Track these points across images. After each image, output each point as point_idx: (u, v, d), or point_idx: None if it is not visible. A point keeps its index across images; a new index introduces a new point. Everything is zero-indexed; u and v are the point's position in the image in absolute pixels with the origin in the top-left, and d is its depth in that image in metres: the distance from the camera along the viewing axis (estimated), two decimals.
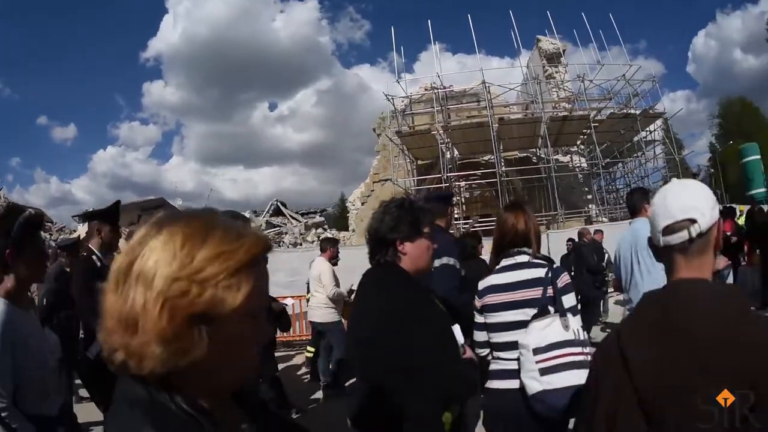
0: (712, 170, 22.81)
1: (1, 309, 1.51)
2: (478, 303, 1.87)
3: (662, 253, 0.99)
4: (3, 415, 1.45)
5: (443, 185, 13.48)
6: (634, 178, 16.13)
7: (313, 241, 14.81)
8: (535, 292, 1.73)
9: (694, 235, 0.92)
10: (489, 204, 13.53)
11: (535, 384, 1.61)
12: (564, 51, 16.09)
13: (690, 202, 0.95)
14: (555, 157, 14.96)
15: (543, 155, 14.14)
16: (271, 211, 14.36)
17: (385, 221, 1.52)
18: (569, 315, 1.68)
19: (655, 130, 15.75)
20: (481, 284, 1.87)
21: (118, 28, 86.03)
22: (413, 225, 1.52)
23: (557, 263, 1.93)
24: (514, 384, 1.69)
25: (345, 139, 72.43)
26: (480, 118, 13.78)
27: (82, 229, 14.43)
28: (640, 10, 62.76)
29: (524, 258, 1.82)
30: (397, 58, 14.25)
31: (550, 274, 1.74)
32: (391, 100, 13.92)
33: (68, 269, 3.96)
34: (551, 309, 1.69)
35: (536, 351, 1.64)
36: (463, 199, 14.66)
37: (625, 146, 15.77)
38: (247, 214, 16.99)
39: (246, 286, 0.56)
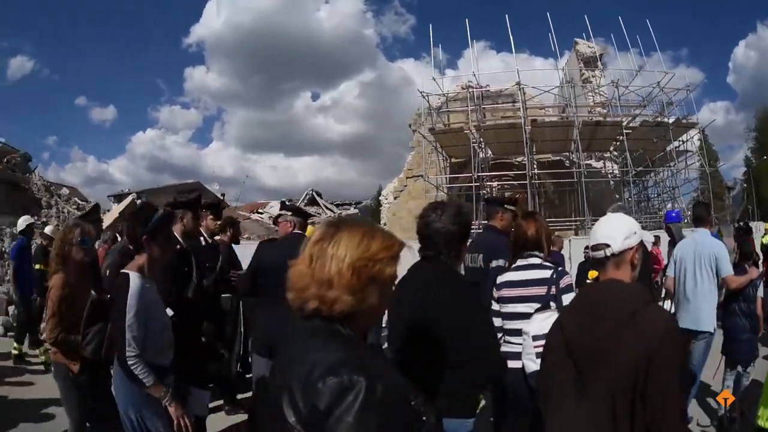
0: (745, 185, 22.48)
1: (136, 280, 1.94)
2: (495, 294, 2.28)
3: (591, 261, 1.57)
4: (131, 363, 1.85)
5: (473, 184, 13.63)
6: (666, 189, 16.03)
7: None
8: (541, 290, 2.12)
9: (608, 254, 1.40)
10: (520, 206, 13.60)
11: (532, 365, 1.97)
12: (601, 55, 16.04)
13: (608, 232, 1.43)
14: (588, 162, 14.97)
15: (575, 159, 14.15)
16: (306, 201, 14.68)
17: (461, 224, 1.80)
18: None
19: (688, 140, 15.57)
20: (499, 279, 2.29)
21: (160, 13, 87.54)
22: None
23: (572, 268, 2.33)
24: (518, 364, 2.05)
25: (386, 132, 72.54)
26: (514, 119, 13.86)
27: (116, 209, 14.90)
28: (683, 17, 61.29)
29: (536, 260, 2.22)
30: (434, 56, 14.40)
31: (554, 276, 2.13)
32: (426, 97, 14.07)
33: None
34: (552, 305, 2.07)
35: (535, 338, 2.00)
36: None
37: (657, 155, 15.68)
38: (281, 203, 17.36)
39: (394, 266, 0.98)
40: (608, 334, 1.31)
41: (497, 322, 2.22)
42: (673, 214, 5.19)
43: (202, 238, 3.52)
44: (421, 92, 14.09)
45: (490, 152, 14.87)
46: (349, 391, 0.83)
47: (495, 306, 2.27)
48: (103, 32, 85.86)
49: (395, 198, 15.90)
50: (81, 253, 2.53)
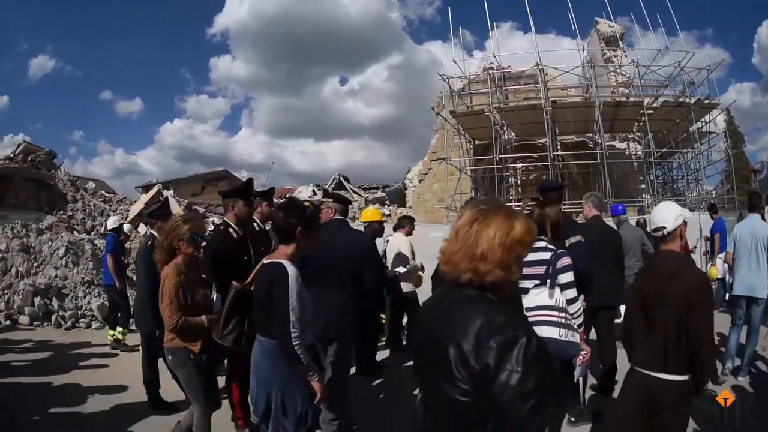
0: None
1: (291, 267, 2.14)
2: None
3: (654, 239, 2.29)
4: (295, 344, 2.07)
5: (496, 166, 13.74)
6: (691, 171, 16.01)
7: None
8: (540, 269, 2.49)
9: (665, 233, 2.10)
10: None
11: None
12: (623, 35, 16.05)
13: (663, 216, 2.10)
14: (612, 143, 15.00)
15: (598, 140, 14.20)
16: (333, 185, 14.89)
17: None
18: (557, 289, 2.48)
19: (710, 120, 15.50)
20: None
21: (182, 5, 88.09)
22: None
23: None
24: None
25: (416, 115, 72.94)
26: (535, 100, 13.94)
27: (142, 199, 15.22)
28: None
29: (541, 243, 2.55)
30: (462, 38, 14.51)
31: (553, 258, 2.50)
32: (447, 80, 14.20)
33: None
34: (548, 282, 2.47)
35: (527, 309, 2.43)
36: (519, 182, 14.86)
37: (681, 136, 15.65)
38: (309, 188, 17.57)
39: (530, 247, 1.19)
40: (663, 284, 2.01)
41: None
42: (620, 208, 6.00)
43: (255, 225, 3.69)
44: (441, 75, 14.24)
45: (513, 134, 14.96)
46: (514, 346, 1.02)
47: None
48: (124, 26, 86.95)
49: (420, 181, 16.05)
50: (190, 248, 2.65)
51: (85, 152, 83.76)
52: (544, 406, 1.02)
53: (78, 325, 6.90)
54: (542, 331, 2.32)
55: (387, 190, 16.95)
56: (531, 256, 2.44)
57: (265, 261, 2.29)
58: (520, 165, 14.79)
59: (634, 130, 15.71)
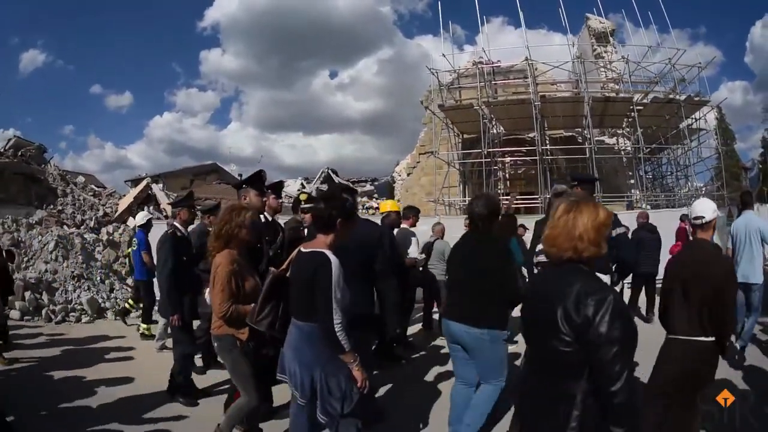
0: (761, 166, 22.53)
1: (332, 256, 2.21)
2: (535, 259, 3.15)
3: (693, 226, 2.74)
4: (337, 330, 2.15)
5: (484, 160, 13.90)
6: (681, 167, 16.19)
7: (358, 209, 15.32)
8: None
9: (703, 222, 2.64)
10: (533, 181, 13.87)
11: None
12: (613, 31, 16.22)
13: (703, 208, 2.65)
14: (601, 138, 15.18)
15: (587, 135, 14.37)
16: (321, 179, 15.02)
17: (489, 208, 2.90)
18: None
19: (701, 118, 15.67)
20: (538, 248, 3.05)
21: None
22: None
23: None
24: None
25: (406, 109, 73.05)
26: (525, 95, 14.10)
27: (131, 193, 15.32)
28: None
29: None
30: (453, 32, 14.64)
31: None
32: (436, 74, 14.35)
33: (210, 229, 4.66)
34: None
35: None
36: (507, 176, 15.02)
37: (670, 133, 15.83)
38: (298, 181, 17.71)
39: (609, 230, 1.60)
40: (698, 268, 2.51)
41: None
42: None
43: (262, 216, 3.74)
44: (430, 69, 14.38)
45: (501, 128, 15.12)
46: (604, 302, 1.39)
47: (535, 269, 3.19)
48: (114, 20, 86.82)
49: (408, 174, 16.21)
50: (248, 234, 2.74)
51: (75, 147, 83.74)
52: (625, 353, 1.38)
53: (68, 319, 7.01)
54: None
55: (375, 183, 17.11)
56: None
57: (302, 249, 2.37)
58: (508, 159, 14.95)
59: (624, 125, 15.89)
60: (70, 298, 7.51)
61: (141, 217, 6.64)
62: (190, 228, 4.43)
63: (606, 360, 1.35)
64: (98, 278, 8.34)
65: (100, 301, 7.66)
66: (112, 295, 8.06)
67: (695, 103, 15.06)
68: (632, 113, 14.40)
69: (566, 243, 1.52)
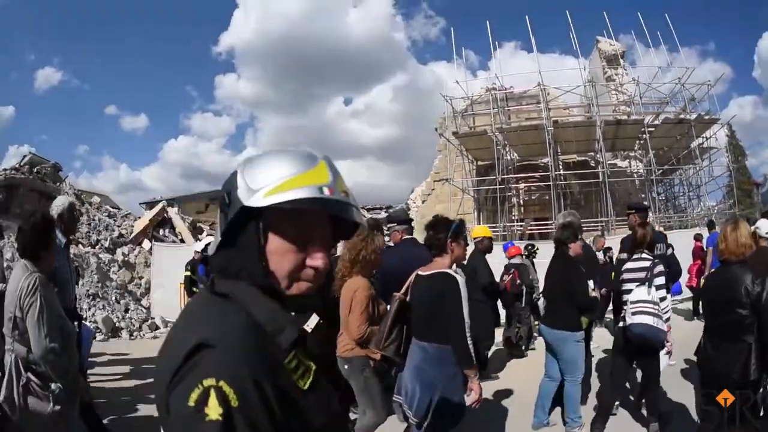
0: None
1: (459, 277, 2.42)
2: (621, 276, 3.59)
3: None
4: (469, 344, 2.37)
5: (499, 186, 14.19)
6: (693, 187, 16.44)
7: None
8: (642, 274, 3.36)
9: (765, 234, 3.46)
10: (546, 207, 14.15)
11: (628, 319, 3.25)
12: (623, 53, 16.53)
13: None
14: (613, 162, 15.45)
15: (600, 159, 14.66)
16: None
17: (564, 234, 3.62)
18: (653, 288, 3.27)
19: (711, 136, 15.91)
20: (624, 266, 3.56)
21: (188, 23, 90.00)
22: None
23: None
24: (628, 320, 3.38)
25: (420, 135, 74.00)
26: (537, 120, 14.40)
27: (146, 216, 15.64)
28: (709, 10, 60.76)
29: (645, 256, 3.46)
30: (466, 58, 14.93)
31: (651, 266, 3.35)
32: (450, 101, 14.67)
33: None
34: (647, 283, 3.28)
35: (632, 302, 3.25)
36: (522, 201, 15.30)
37: (682, 153, 16.08)
38: None
39: None
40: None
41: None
42: (509, 245, 7.08)
43: None
44: (443, 96, 14.70)
45: (515, 154, 15.42)
46: (766, 285, 2.31)
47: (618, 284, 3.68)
48: (131, 42, 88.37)
49: (423, 201, 16.50)
50: (380, 259, 2.93)
51: (90, 166, 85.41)
52: None
53: None
54: (641, 319, 3.16)
55: (390, 210, 17.35)
56: (635, 264, 3.44)
57: (421, 273, 2.57)
58: (522, 185, 15.23)
59: (636, 147, 16.18)
60: (84, 317, 7.83)
61: (201, 245, 6.69)
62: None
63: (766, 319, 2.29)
64: (113, 298, 8.61)
65: (115, 320, 7.90)
66: (127, 315, 8.33)
67: (706, 122, 15.32)
68: (644, 135, 14.67)
69: (735, 249, 2.45)
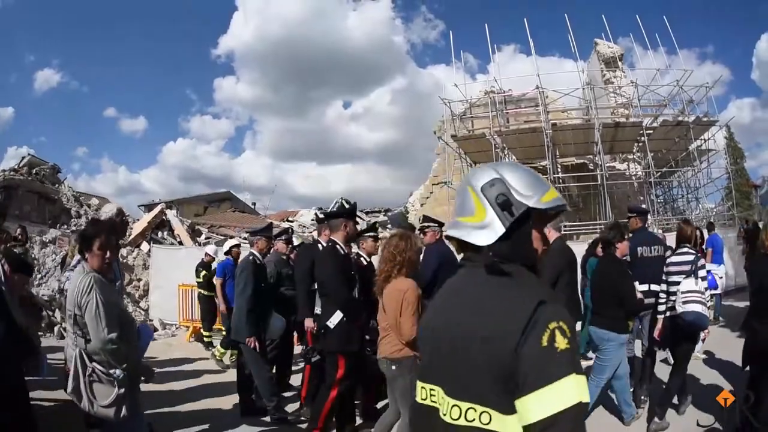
0: None
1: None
2: (665, 269, 3.89)
3: None
4: None
5: None
6: (691, 189, 16.55)
7: None
8: (686, 267, 3.73)
9: None
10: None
11: (679, 308, 3.58)
12: (621, 56, 16.65)
13: None
14: (612, 164, 15.54)
15: (599, 162, 14.75)
16: (335, 208, 15.38)
17: (611, 233, 3.86)
18: (699, 279, 3.63)
19: (710, 138, 16.01)
20: (668, 260, 3.93)
21: (186, 25, 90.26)
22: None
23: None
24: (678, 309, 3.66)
25: (419, 139, 74.61)
26: (536, 123, 14.50)
27: (145, 218, 15.71)
28: (708, 12, 61.06)
29: (687, 250, 3.76)
30: (465, 61, 15.04)
31: (694, 260, 3.74)
32: (448, 104, 14.77)
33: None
34: (693, 275, 3.65)
35: (682, 293, 3.58)
36: None
37: (680, 155, 16.18)
38: (312, 211, 18.10)
39: None
40: None
41: (663, 286, 3.88)
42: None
43: (319, 245, 4.33)
44: (442, 99, 14.80)
45: (514, 157, 15.51)
46: None
47: (664, 276, 3.87)
48: (129, 45, 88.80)
49: (422, 205, 16.60)
50: (417, 257, 3.01)
51: (89, 169, 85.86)
52: None
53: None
54: (692, 307, 3.50)
55: (389, 214, 17.48)
56: (679, 258, 3.82)
57: None
58: None
59: (634, 150, 16.29)
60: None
61: (227, 246, 6.78)
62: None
63: None
64: None
65: None
66: None
67: (704, 124, 15.43)
68: (642, 137, 14.77)
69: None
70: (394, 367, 2.84)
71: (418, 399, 1.10)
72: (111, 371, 2.43)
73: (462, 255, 1.14)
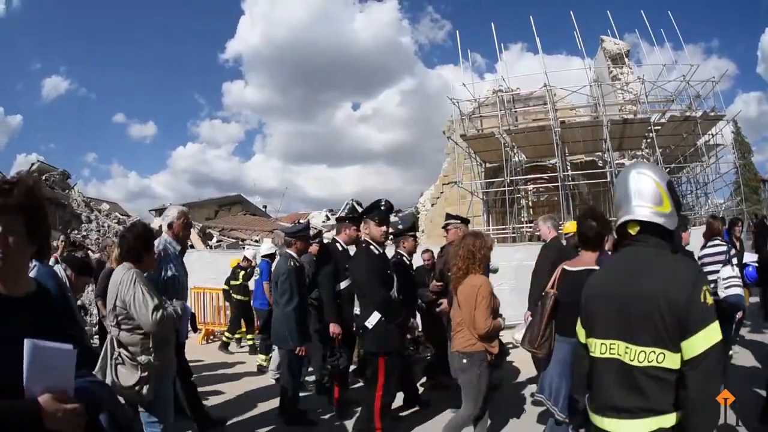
0: None
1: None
2: (699, 261, 4.31)
3: None
4: None
5: (507, 188, 14.38)
6: (700, 185, 16.63)
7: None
8: (722, 257, 4.28)
9: None
10: (555, 208, 14.32)
11: (722, 293, 3.95)
12: (628, 52, 16.72)
13: None
14: (621, 161, 15.62)
15: (608, 159, 14.84)
16: (346, 210, 15.48)
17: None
18: (734, 267, 4.08)
19: (717, 133, 16.06)
20: (702, 251, 4.52)
21: (194, 30, 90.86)
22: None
23: None
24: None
25: (429, 140, 74.86)
26: (544, 121, 14.58)
27: (157, 222, 15.83)
28: (712, 6, 61.01)
29: (719, 242, 4.52)
30: (472, 61, 15.11)
31: (727, 250, 4.33)
32: (457, 104, 14.86)
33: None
34: (728, 264, 4.12)
35: (723, 279, 4.01)
36: (530, 203, 15.48)
37: (689, 151, 16.24)
38: (323, 213, 18.24)
39: None
40: None
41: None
42: None
43: (339, 245, 4.49)
44: (451, 99, 14.89)
45: (523, 156, 15.60)
46: None
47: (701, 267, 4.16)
48: (137, 50, 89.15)
49: (432, 205, 16.70)
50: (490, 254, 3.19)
51: (99, 174, 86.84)
52: None
53: (93, 342, 7.29)
54: (734, 291, 3.92)
55: (400, 215, 17.56)
56: (712, 249, 4.41)
57: (568, 268, 2.66)
58: (531, 186, 15.41)
59: (643, 146, 16.36)
60: (94, 321, 8.01)
61: (266, 248, 6.79)
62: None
63: None
64: None
65: None
66: None
67: (711, 119, 15.47)
68: (650, 134, 14.84)
69: None
70: (465, 361, 2.95)
71: (597, 354, 1.49)
72: (138, 358, 2.58)
73: (619, 235, 1.59)
